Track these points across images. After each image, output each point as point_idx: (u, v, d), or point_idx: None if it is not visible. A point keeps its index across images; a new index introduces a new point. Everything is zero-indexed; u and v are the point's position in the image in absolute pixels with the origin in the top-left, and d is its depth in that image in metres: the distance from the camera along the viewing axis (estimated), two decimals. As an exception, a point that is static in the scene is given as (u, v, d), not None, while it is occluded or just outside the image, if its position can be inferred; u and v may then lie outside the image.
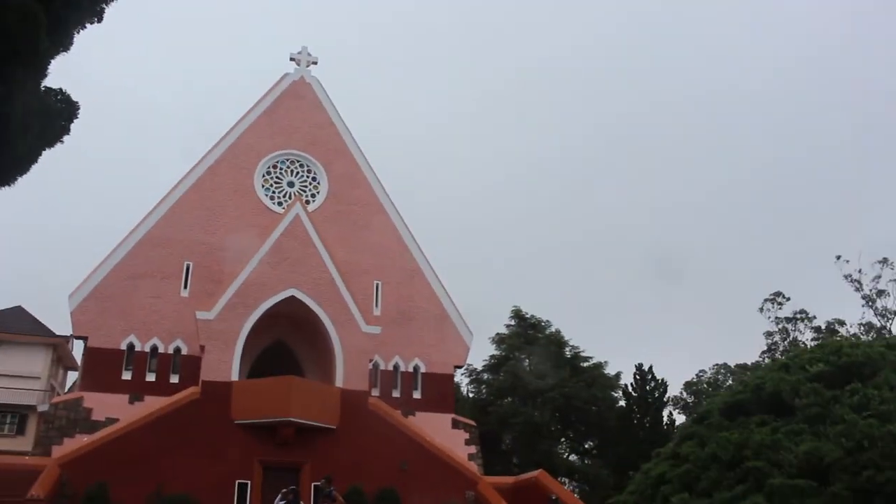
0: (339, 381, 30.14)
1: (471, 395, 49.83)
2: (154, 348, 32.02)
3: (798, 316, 53.00)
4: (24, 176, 9.87)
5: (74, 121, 10.64)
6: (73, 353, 47.22)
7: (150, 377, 31.60)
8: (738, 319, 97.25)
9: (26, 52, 7.94)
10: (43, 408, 34.87)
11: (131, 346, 31.76)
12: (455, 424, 35.07)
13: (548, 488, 29.77)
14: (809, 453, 4.57)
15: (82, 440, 27.82)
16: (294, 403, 27.98)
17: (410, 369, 35.40)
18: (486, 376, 49.45)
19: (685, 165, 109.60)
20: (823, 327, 52.21)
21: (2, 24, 7.56)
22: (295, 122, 37.48)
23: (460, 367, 38.33)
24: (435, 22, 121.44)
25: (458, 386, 44.64)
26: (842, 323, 51.52)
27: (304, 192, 36.52)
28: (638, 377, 45.32)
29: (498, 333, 49.33)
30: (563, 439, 49.09)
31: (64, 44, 9.25)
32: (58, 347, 46.65)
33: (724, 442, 4.98)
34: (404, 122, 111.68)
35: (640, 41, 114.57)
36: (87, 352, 31.72)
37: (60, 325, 44.41)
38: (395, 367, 35.18)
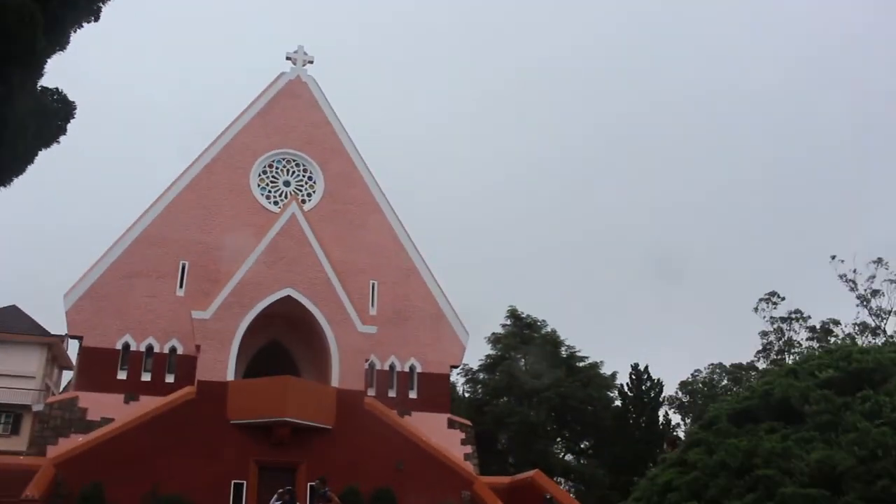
0: (335, 381, 30.09)
1: (466, 394, 49.84)
2: (149, 348, 31.92)
3: (793, 316, 53.12)
4: (21, 177, 9.84)
5: (71, 121, 10.60)
6: (67, 352, 47.12)
7: (146, 377, 31.52)
8: (733, 319, 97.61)
9: (23, 51, 7.88)
10: (38, 407, 34.82)
11: (126, 346, 31.67)
12: (451, 424, 35.03)
13: (544, 488, 29.76)
14: (821, 462, 4.55)
15: (77, 440, 27.73)
16: (290, 403, 27.93)
17: (406, 369, 35.36)
18: (481, 376, 49.45)
19: (683, 165, 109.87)
20: (818, 327, 52.31)
21: (-1, 23, 7.54)
22: (291, 122, 37.41)
23: (456, 366, 38.36)
24: (435, 22, 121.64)
25: (453, 386, 44.63)
26: (836, 323, 51.65)
27: (300, 191, 36.45)
28: (634, 377, 45.38)
29: (494, 333, 49.37)
30: (558, 439, 49.11)
31: (60, 43, 9.18)
32: (53, 347, 46.54)
33: (733, 449, 4.96)
34: (405, 121, 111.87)
35: (640, 41, 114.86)
36: (83, 351, 31.62)
37: (55, 324, 44.34)
38: (391, 366, 35.14)
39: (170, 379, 31.43)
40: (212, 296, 30.87)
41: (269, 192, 36.08)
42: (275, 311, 30.94)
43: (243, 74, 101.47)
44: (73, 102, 10.66)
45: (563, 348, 48.26)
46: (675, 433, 47.86)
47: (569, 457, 49.06)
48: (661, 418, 45.71)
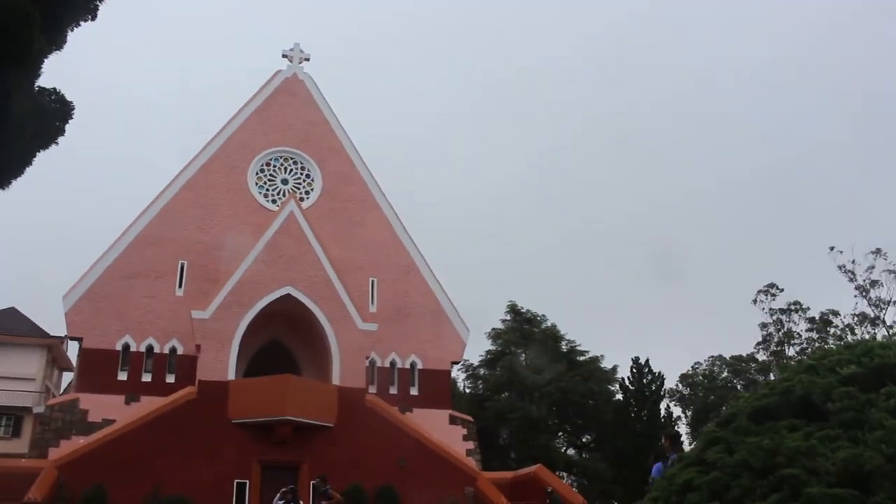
0: (336, 379, 30.04)
1: (467, 390, 49.76)
2: (150, 348, 31.85)
3: (792, 307, 53.12)
4: (19, 178, 9.74)
5: (69, 121, 10.50)
6: (67, 354, 47.02)
7: (146, 377, 31.46)
8: (732, 311, 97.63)
9: (20, 51, 7.80)
10: (38, 409, 34.75)
11: (126, 347, 31.59)
12: (453, 420, 35.01)
13: (547, 482, 29.72)
14: (848, 460, 4.47)
15: (79, 442, 27.65)
16: (291, 402, 27.87)
17: (407, 366, 35.32)
18: (482, 372, 49.39)
19: (681, 161, 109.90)
20: (817, 318, 52.33)
21: (-4, 22, 7.44)
22: (288, 120, 37.30)
23: (457, 362, 38.33)
24: (435, 21, 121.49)
25: (454, 382, 44.57)
26: (836, 314, 51.65)
27: (298, 189, 36.36)
28: (634, 370, 45.31)
29: (494, 328, 49.30)
30: (560, 434, 49.06)
31: (58, 42, 9.09)
32: (52, 349, 46.45)
33: (755, 448, 4.89)
34: (405, 120, 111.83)
35: (638, 40, 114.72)
36: (83, 353, 31.54)
37: (55, 325, 44.24)
38: (392, 363, 35.10)
39: (170, 379, 31.37)
40: (211, 295, 30.79)
41: (267, 190, 35.97)
42: (274, 309, 30.86)
43: (243, 73, 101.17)
44: (71, 103, 10.55)
45: (563, 343, 48.21)
46: (675, 426, 47.83)
47: (570, 451, 49.02)
48: (662, 412, 45.63)
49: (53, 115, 10.10)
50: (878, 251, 48.36)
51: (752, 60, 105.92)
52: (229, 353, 29.18)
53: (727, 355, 57.45)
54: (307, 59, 38.78)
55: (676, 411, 54.51)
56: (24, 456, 33.45)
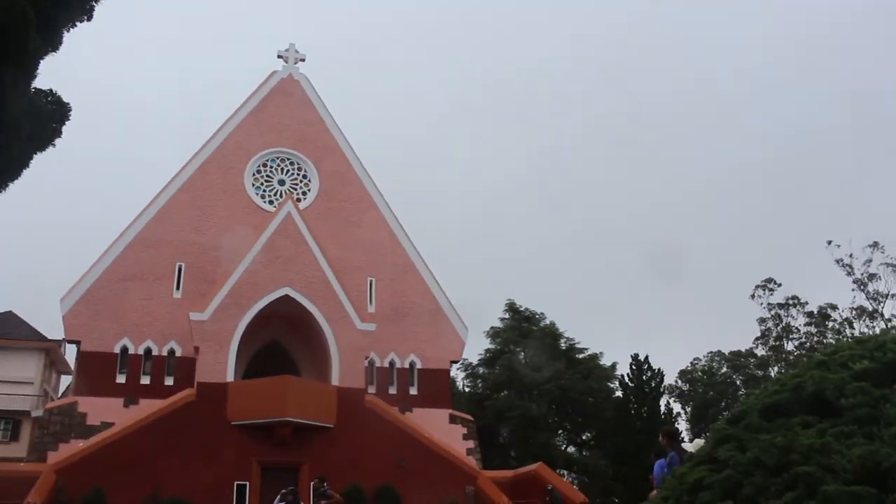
0: (336, 380, 29.97)
1: (467, 389, 49.70)
2: (148, 351, 31.76)
3: (790, 302, 53.19)
4: (16, 181, 9.65)
5: (66, 123, 10.40)
6: (65, 357, 46.90)
7: (145, 380, 31.37)
8: (730, 307, 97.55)
9: (16, 51, 7.72)
10: (37, 413, 34.56)
11: (125, 349, 31.50)
12: (452, 420, 34.95)
13: (547, 481, 29.69)
14: (864, 457, 4.41)
15: (78, 445, 27.55)
16: (290, 403, 27.80)
17: (406, 365, 35.26)
18: (481, 370, 49.32)
19: (679, 157, 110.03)
20: (816, 312, 52.41)
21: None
22: (284, 120, 37.20)
23: (456, 361, 38.24)
24: (435, 21, 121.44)
25: (453, 381, 44.50)
26: (834, 307, 51.79)
27: (295, 189, 36.27)
28: (634, 367, 45.27)
29: (492, 327, 49.23)
30: (560, 431, 49.04)
31: (53, 43, 9.00)
32: (50, 352, 46.32)
33: (768, 445, 4.81)
34: (405, 120, 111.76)
35: (637, 39, 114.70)
36: (81, 356, 31.44)
37: (52, 328, 44.13)
38: (391, 363, 35.03)
39: (169, 381, 31.27)
40: (209, 297, 30.70)
41: (264, 191, 35.89)
42: (273, 310, 30.77)
43: (242, 73, 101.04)
44: (68, 104, 10.45)
45: (562, 340, 48.15)
46: (675, 423, 47.81)
47: (571, 449, 49.01)
48: (662, 408, 45.61)
49: (50, 116, 10.01)
50: (875, 244, 48.54)
51: (752, 60, 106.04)
52: (228, 354, 29.10)
53: (726, 351, 57.55)
54: (303, 60, 38.69)
55: (676, 407, 54.59)
56: (22, 460, 33.31)
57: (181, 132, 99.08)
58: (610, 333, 76.77)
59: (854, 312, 50.44)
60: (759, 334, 54.19)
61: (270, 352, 33.17)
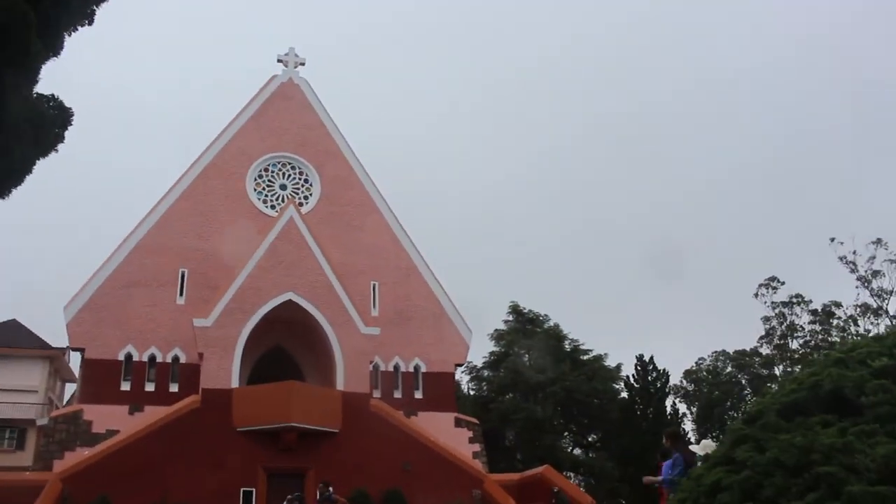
0: (340, 384, 29.90)
1: (471, 392, 49.64)
2: (152, 357, 31.71)
3: (794, 300, 53.01)
4: (19, 187, 9.63)
5: (69, 128, 10.38)
6: (70, 365, 46.86)
7: (150, 387, 31.31)
8: (734, 306, 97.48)
9: (17, 52, 7.68)
10: (42, 422, 34.51)
11: (129, 357, 31.46)
12: (458, 423, 34.86)
13: (554, 483, 29.58)
14: (888, 457, 4.33)
15: (83, 453, 27.51)
16: (295, 408, 27.73)
17: (411, 369, 35.18)
18: (486, 373, 49.26)
19: (680, 157, 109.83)
20: (820, 310, 52.23)
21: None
22: (284, 124, 37.17)
23: (461, 364, 38.17)
24: (434, 21, 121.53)
25: (458, 384, 44.45)
26: (838, 305, 51.57)
27: (297, 194, 36.22)
28: (639, 368, 45.19)
29: (496, 329, 49.18)
30: (566, 433, 48.96)
31: (55, 47, 8.97)
32: (54, 360, 46.29)
33: (787, 445, 4.74)
34: (405, 121, 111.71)
35: (636, 38, 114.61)
36: (85, 363, 31.41)
37: (56, 336, 44.05)
38: (396, 367, 34.95)
39: (174, 388, 31.22)
40: (212, 303, 30.65)
41: (266, 196, 35.85)
42: (276, 315, 30.72)
43: (242, 73, 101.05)
44: (70, 109, 10.41)
45: (566, 342, 48.10)
46: (681, 423, 47.64)
47: (577, 451, 48.92)
48: (668, 409, 45.47)
49: (52, 121, 9.98)
50: (878, 241, 48.35)
51: (752, 60, 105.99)
52: (232, 360, 29.04)
53: (730, 350, 57.34)
54: (302, 64, 38.67)
55: (681, 408, 54.42)
56: (28, 469, 33.24)
57: (181, 133, 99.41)
58: (610, 334, 76.83)
59: (858, 310, 50.29)
60: (763, 333, 54.03)
61: (274, 357, 33.12)
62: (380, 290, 35.79)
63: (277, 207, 34.99)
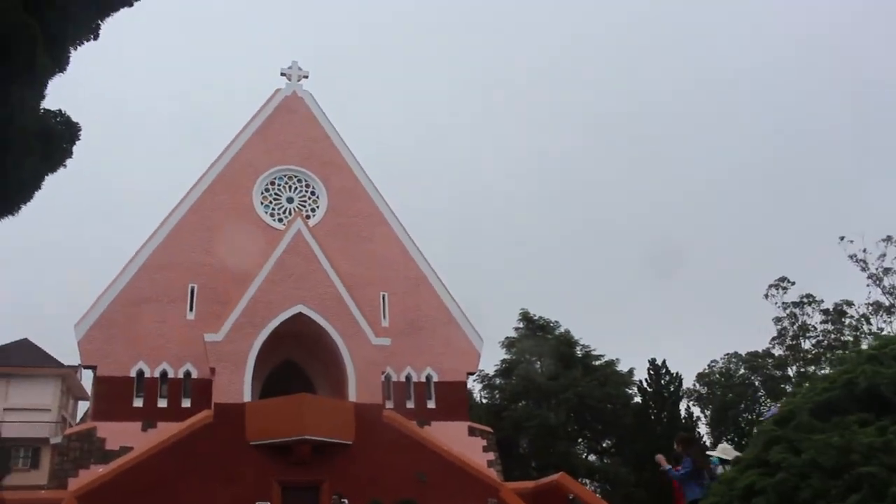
0: (352, 396, 29.81)
1: (484, 400, 49.50)
2: (164, 374, 31.69)
3: (805, 300, 52.74)
4: (28, 203, 9.63)
5: (76, 143, 10.40)
6: (82, 382, 46.93)
7: (162, 403, 31.27)
8: (744, 308, 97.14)
9: (24, 68, 7.67)
10: (56, 440, 34.60)
11: (141, 373, 31.45)
12: (472, 432, 34.71)
13: (570, 490, 29.41)
14: (932, 456, 4.25)
15: (98, 471, 27.49)
16: (308, 421, 27.64)
17: (423, 379, 35.06)
18: (498, 381, 49.13)
19: (683, 158, 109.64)
20: (832, 310, 51.95)
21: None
22: (289, 138, 37.20)
23: (473, 373, 37.97)
24: (435, 22, 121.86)
25: (470, 392, 44.30)
26: (850, 304, 51.28)
27: (304, 207, 36.22)
28: (652, 372, 44.96)
29: (507, 337, 49.07)
30: (579, 440, 48.76)
31: (60, 62, 8.98)
32: (67, 378, 46.39)
33: (824, 446, 4.62)
34: (408, 128, 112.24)
35: (636, 37, 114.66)
36: (97, 381, 31.42)
37: (68, 354, 44.12)
38: (408, 377, 34.84)
39: (186, 404, 31.16)
40: (222, 317, 30.64)
41: (273, 209, 35.86)
42: (286, 329, 30.67)
43: (246, 81, 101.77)
44: (77, 124, 10.43)
45: (577, 348, 47.94)
46: (696, 427, 47.33)
47: (591, 457, 48.69)
48: (682, 412, 45.21)
49: (60, 136, 9.99)
50: (889, 238, 48.10)
51: (752, 60, 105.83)
52: (244, 374, 29.02)
53: (743, 352, 57.03)
54: (306, 77, 38.72)
55: (695, 411, 54.10)
56: (43, 487, 33.26)
57: (187, 142, 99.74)
58: (621, 339, 76.27)
59: (870, 308, 50.01)
60: (774, 334, 53.73)
61: (285, 371, 33.07)
62: (389, 300, 35.71)
63: (285, 220, 35.00)
